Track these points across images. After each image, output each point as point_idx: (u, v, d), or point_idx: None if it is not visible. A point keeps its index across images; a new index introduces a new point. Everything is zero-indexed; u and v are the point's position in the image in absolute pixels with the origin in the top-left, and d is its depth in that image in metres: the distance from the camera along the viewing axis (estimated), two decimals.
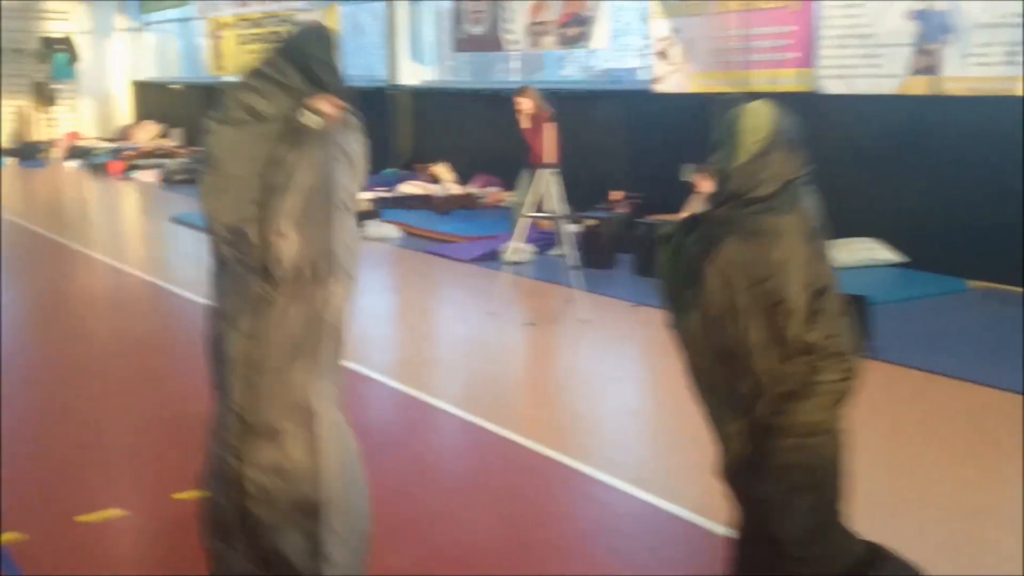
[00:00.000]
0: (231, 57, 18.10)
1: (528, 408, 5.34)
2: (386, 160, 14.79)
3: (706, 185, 3.15)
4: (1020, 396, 5.12)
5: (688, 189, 11.06)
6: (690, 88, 10.17)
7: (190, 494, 3.93)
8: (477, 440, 4.81)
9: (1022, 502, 3.89)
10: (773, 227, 2.87)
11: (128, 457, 4.60)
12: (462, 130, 13.52)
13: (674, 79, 10.32)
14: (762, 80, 9.51)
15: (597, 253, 8.64)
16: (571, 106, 11.12)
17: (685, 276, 2.98)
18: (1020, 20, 7.52)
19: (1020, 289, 7.76)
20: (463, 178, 13.06)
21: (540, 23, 11.77)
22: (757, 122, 2.91)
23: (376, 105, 15.04)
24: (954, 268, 8.12)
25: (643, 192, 11.00)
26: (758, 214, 2.89)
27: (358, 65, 17.49)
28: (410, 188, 12.68)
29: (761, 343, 2.87)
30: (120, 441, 4.78)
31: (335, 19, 15.43)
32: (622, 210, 10.75)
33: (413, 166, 13.97)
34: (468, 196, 12.23)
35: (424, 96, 14.55)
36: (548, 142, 8.72)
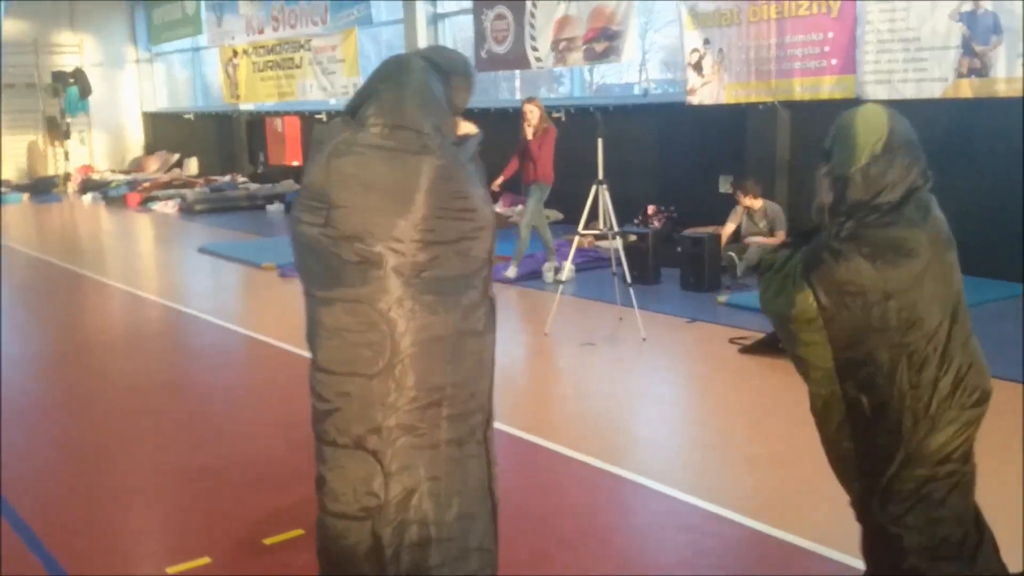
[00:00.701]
0: (247, 85, 18.01)
1: (602, 431, 5.14)
2: None
3: (825, 196, 2.90)
4: None
5: (725, 201, 11.00)
6: (725, 99, 10.02)
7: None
8: (555, 467, 4.61)
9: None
10: (906, 240, 2.63)
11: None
12: (482, 150, 13.36)
13: (708, 90, 10.16)
14: (802, 88, 9.36)
15: (642, 268, 8.46)
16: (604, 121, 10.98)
17: (779, 302, 2.74)
18: None
19: None
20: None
21: (566, 39, 11.64)
22: (872, 124, 2.71)
23: None
24: (1008, 273, 7.95)
25: (676, 205, 10.84)
26: (888, 226, 2.65)
27: None
28: None
29: (891, 365, 2.66)
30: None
31: (353, 44, 15.35)
32: (658, 224, 10.59)
33: None
34: (498, 216, 12.05)
35: None
36: (546, 155, 8.62)
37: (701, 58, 10.18)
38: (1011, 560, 3.18)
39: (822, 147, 2.84)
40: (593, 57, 11.48)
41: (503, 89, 15.70)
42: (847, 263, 2.62)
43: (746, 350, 6.38)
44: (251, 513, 4.07)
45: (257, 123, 18.51)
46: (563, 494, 4.27)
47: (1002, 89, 7.90)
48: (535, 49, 12.17)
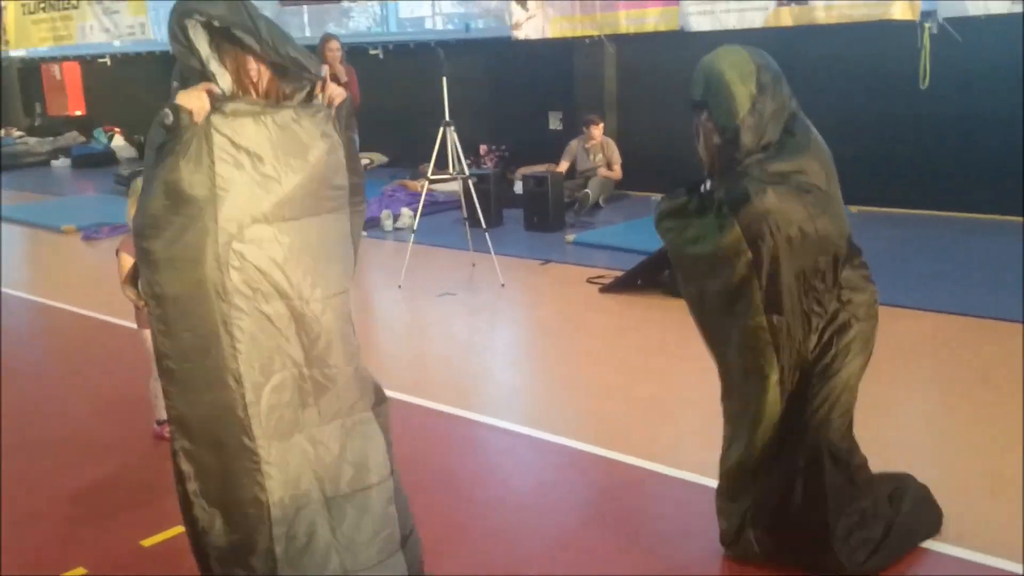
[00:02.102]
0: (17, 29, 16.23)
1: (478, 384, 4.95)
2: None
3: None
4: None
5: (556, 138, 10.95)
6: (550, 33, 9.86)
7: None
8: (463, 431, 4.38)
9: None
10: (802, 170, 2.78)
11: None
12: None
13: (533, 24, 9.97)
14: (627, 21, 9.33)
15: (484, 211, 8.23)
16: (419, 58, 10.61)
17: (705, 244, 2.83)
18: None
19: (904, 210, 8.03)
20: None
21: None
22: (741, 70, 2.81)
23: None
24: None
25: (507, 144, 10.68)
26: (784, 158, 2.79)
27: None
28: None
29: (801, 286, 2.79)
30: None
31: None
32: (491, 164, 10.40)
33: None
34: None
35: None
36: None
37: None
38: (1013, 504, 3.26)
39: (693, 97, 2.91)
40: None
41: (292, 25, 14.92)
42: (764, 196, 2.71)
43: (606, 289, 6.33)
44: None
45: (31, 70, 16.83)
46: (431, 446, 4.07)
47: (821, 16, 8.13)
48: None
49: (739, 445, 2.97)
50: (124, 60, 15.42)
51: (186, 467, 2.33)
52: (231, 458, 2.31)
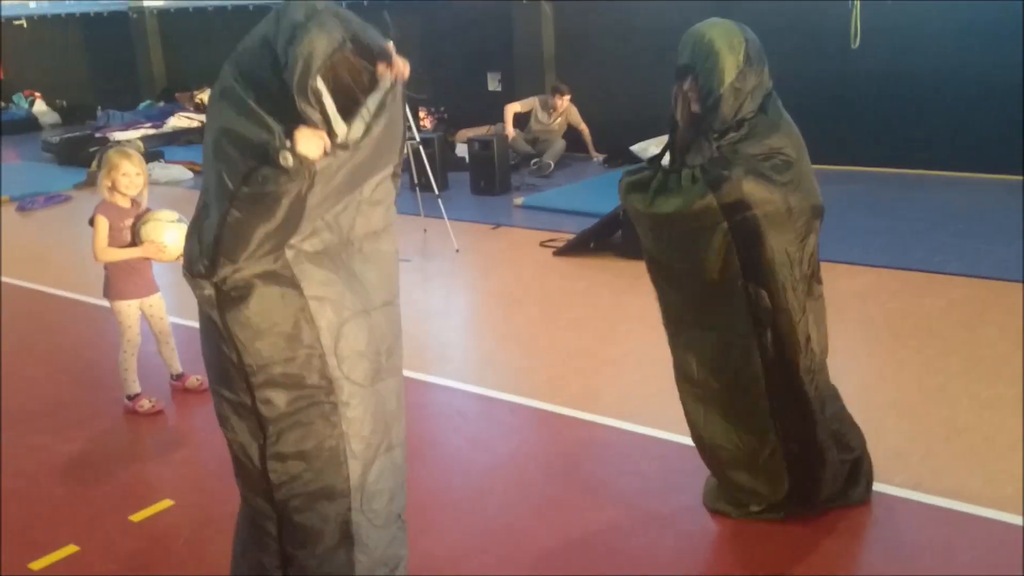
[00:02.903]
0: None
1: (454, 352, 5.05)
2: (138, 90, 13.43)
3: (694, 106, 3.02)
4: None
5: (495, 99, 10.95)
6: None
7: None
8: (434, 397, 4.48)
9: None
10: (780, 149, 2.91)
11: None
12: (219, 51, 12.42)
13: None
14: None
15: (430, 175, 8.27)
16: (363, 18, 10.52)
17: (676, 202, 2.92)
18: None
19: (837, 167, 8.30)
20: None
21: None
22: (731, 41, 2.90)
23: (119, 29, 13.56)
24: None
25: (446, 106, 10.67)
26: (757, 139, 2.90)
27: None
28: (182, 122, 11.58)
29: (781, 260, 2.90)
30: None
31: None
32: (429, 126, 10.39)
33: (174, 97, 12.76)
34: None
35: (172, 17, 13.23)
36: None
37: None
38: (1012, 470, 3.47)
39: (678, 62, 3.00)
40: None
41: None
42: (742, 182, 2.82)
43: (560, 252, 6.46)
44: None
45: None
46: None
47: None
48: None
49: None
50: (41, 22, 14.91)
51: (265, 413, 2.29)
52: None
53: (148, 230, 4.14)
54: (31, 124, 13.94)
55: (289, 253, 2.25)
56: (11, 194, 9.26)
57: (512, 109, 9.26)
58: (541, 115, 9.26)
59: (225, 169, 2.15)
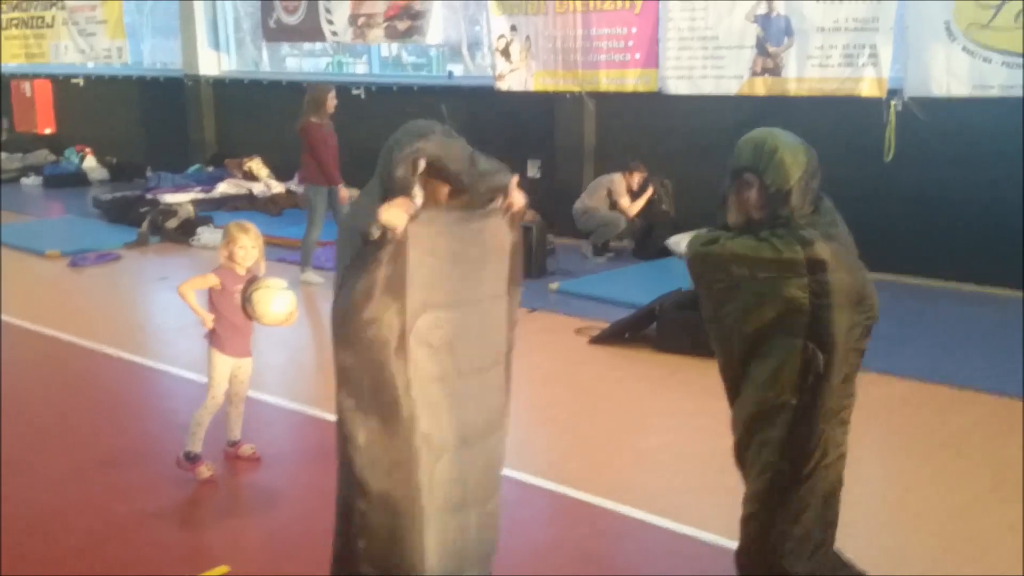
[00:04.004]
0: None
1: None
2: (188, 154, 13.89)
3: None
4: None
5: (533, 186, 11.26)
6: (533, 87, 10.26)
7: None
8: None
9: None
10: (841, 236, 3.22)
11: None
12: (270, 123, 12.85)
13: (516, 77, 10.36)
14: (607, 80, 9.77)
15: None
16: (396, 101, 10.94)
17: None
18: (857, 24, 8.19)
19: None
20: (276, 174, 12.47)
21: (365, 15, 11.42)
22: (793, 146, 3.20)
23: (174, 94, 14.08)
24: None
25: None
26: (828, 225, 3.20)
27: (150, 53, 16.31)
28: (231, 188, 11.98)
29: (844, 330, 3.12)
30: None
31: (117, 5, 14.22)
32: None
33: (223, 163, 13.19)
34: (295, 195, 11.71)
35: (226, 87, 13.75)
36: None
37: (508, 44, 10.35)
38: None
39: (734, 167, 3.25)
40: (395, 35, 11.35)
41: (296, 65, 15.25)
42: (827, 245, 3.12)
43: (596, 340, 6.68)
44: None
45: None
46: None
47: (793, 88, 8.66)
48: (331, 23, 11.86)
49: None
50: (98, 81, 15.49)
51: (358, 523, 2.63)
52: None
53: (258, 297, 4.40)
54: (79, 179, 14.39)
55: None
56: (61, 248, 9.55)
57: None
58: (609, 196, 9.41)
59: None
